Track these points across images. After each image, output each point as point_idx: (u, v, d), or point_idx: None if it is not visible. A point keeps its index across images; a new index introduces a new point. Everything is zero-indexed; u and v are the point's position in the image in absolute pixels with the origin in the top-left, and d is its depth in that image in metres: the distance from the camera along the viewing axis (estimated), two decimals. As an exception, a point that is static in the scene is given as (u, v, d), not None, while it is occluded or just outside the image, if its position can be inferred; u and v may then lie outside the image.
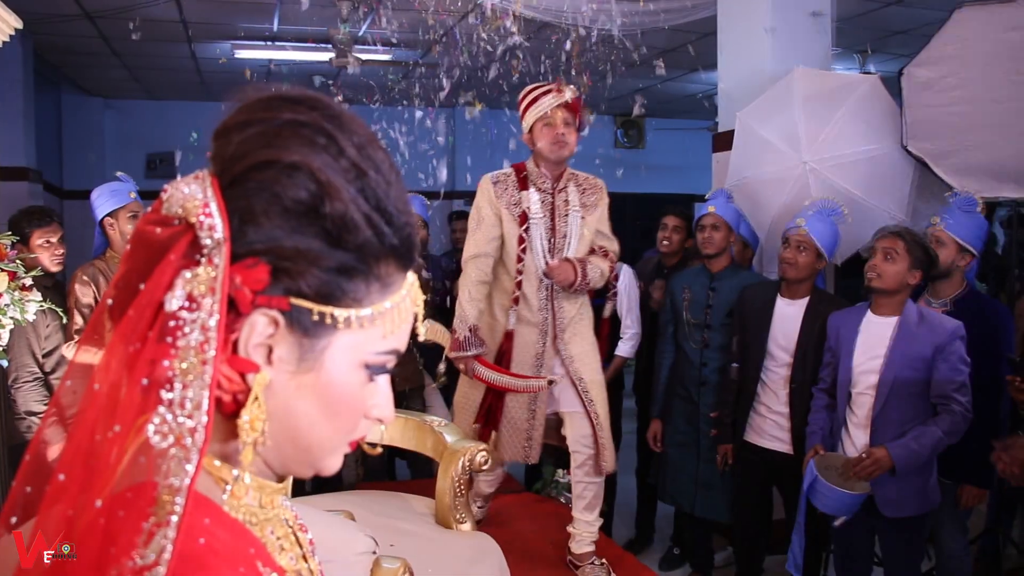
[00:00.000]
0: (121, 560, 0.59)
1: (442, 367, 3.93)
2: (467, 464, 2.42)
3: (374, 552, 1.83)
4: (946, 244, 3.33)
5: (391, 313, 0.75)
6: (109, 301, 0.70)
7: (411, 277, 0.79)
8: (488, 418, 3.49)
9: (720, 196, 4.04)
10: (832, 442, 3.23)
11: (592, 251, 3.59)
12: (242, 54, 7.17)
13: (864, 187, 3.88)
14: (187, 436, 0.63)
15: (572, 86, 3.47)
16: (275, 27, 6.57)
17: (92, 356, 0.70)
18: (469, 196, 10.57)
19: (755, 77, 4.69)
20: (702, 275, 4.06)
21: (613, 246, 3.69)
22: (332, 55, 6.30)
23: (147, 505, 0.61)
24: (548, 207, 3.51)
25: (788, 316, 3.52)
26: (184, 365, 0.65)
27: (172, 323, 0.65)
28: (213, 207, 0.67)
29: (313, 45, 6.93)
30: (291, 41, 6.99)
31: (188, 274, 0.66)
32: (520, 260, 3.48)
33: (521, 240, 3.47)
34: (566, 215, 3.52)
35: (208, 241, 0.66)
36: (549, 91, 3.43)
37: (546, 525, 3.76)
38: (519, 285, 3.50)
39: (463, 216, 5.77)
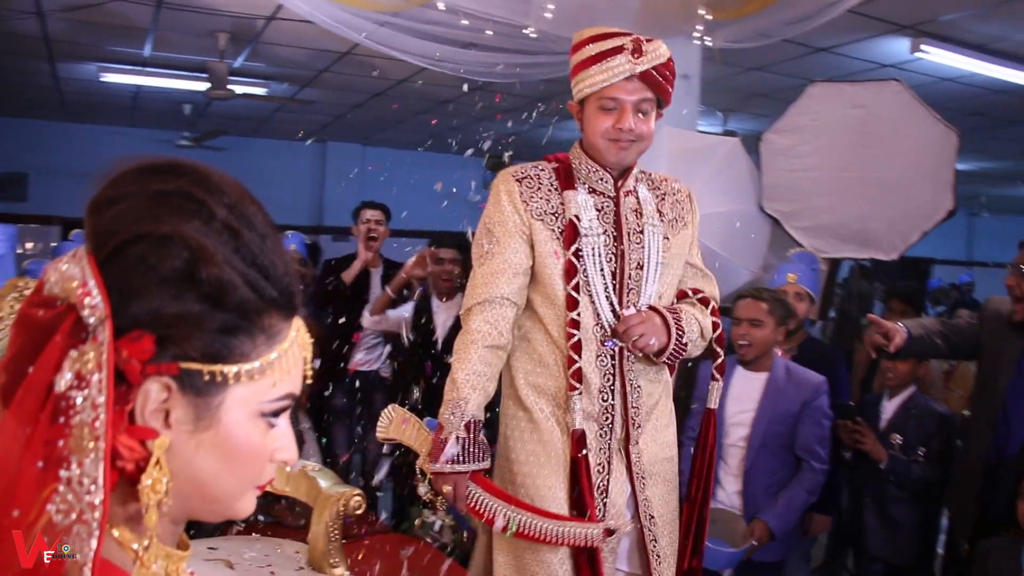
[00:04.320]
0: None
1: (423, 488, 2.28)
2: (341, 510, 2.44)
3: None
4: (804, 298, 3.58)
5: (279, 362, 0.78)
6: None
7: (297, 323, 0.81)
8: None
9: None
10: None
11: (682, 295, 2.37)
12: (109, 77, 6.94)
13: (724, 243, 4.12)
14: (87, 511, 0.66)
15: (658, 41, 2.17)
16: (146, 52, 6.40)
17: None
18: (337, 232, 10.58)
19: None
20: None
21: (712, 288, 2.43)
22: (207, 86, 6.20)
23: None
24: (610, 218, 2.25)
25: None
26: (78, 443, 0.66)
27: (63, 403, 0.66)
28: (92, 285, 0.68)
29: (186, 73, 6.78)
30: (163, 68, 6.82)
31: (75, 353, 0.67)
32: (573, 305, 2.17)
33: (571, 271, 2.17)
34: (640, 231, 2.26)
35: (91, 319, 0.68)
36: (620, 48, 2.11)
37: (414, 566, 3.78)
38: (576, 349, 2.17)
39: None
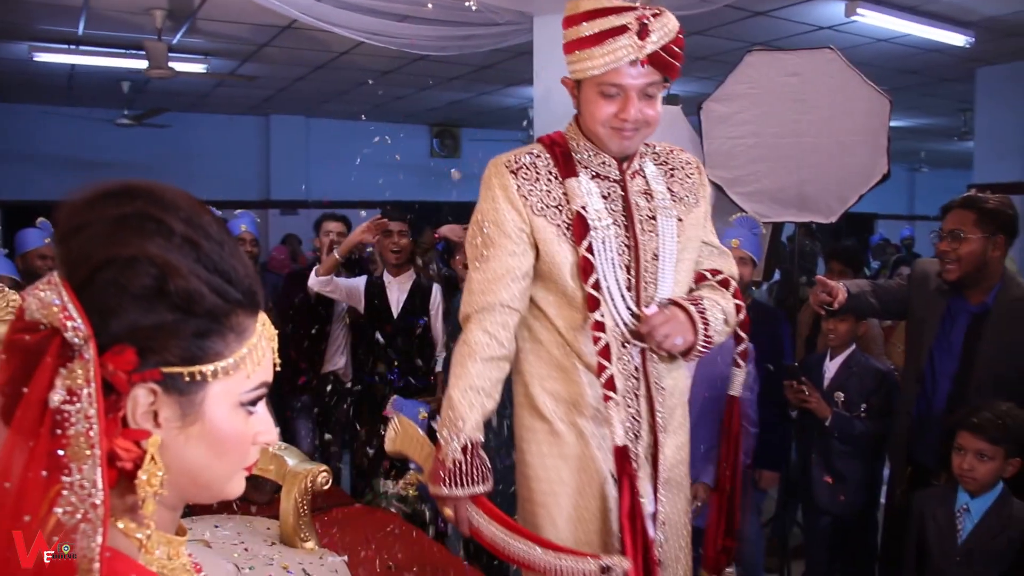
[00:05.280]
0: None
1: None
2: (309, 486, 2.51)
3: (237, 578, 1.92)
4: (747, 262, 3.70)
5: (250, 356, 0.86)
6: None
7: (262, 317, 0.90)
8: None
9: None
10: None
11: (700, 278, 2.19)
12: (42, 57, 6.78)
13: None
14: (91, 511, 0.74)
15: (665, 12, 1.93)
16: (80, 31, 6.29)
17: None
18: (285, 205, 10.54)
19: (567, 99, 4.94)
20: None
21: (729, 266, 2.26)
22: (146, 64, 6.12)
23: (71, 573, 0.72)
24: (618, 205, 2.04)
25: None
26: (76, 452, 0.74)
27: (59, 417, 0.74)
28: (71, 309, 0.75)
29: (123, 51, 6.66)
30: (98, 46, 6.70)
31: (64, 371, 0.75)
32: (595, 305, 1.96)
33: (587, 269, 1.96)
34: (652, 216, 2.05)
35: (76, 340, 0.75)
36: (623, 28, 1.87)
37: (378, 535, 3.87)
38: (606, 354, 1.95)
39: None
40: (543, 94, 5.17)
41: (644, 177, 2.09)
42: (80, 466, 0.74)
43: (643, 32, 1.86)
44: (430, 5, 4.60)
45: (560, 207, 2.01)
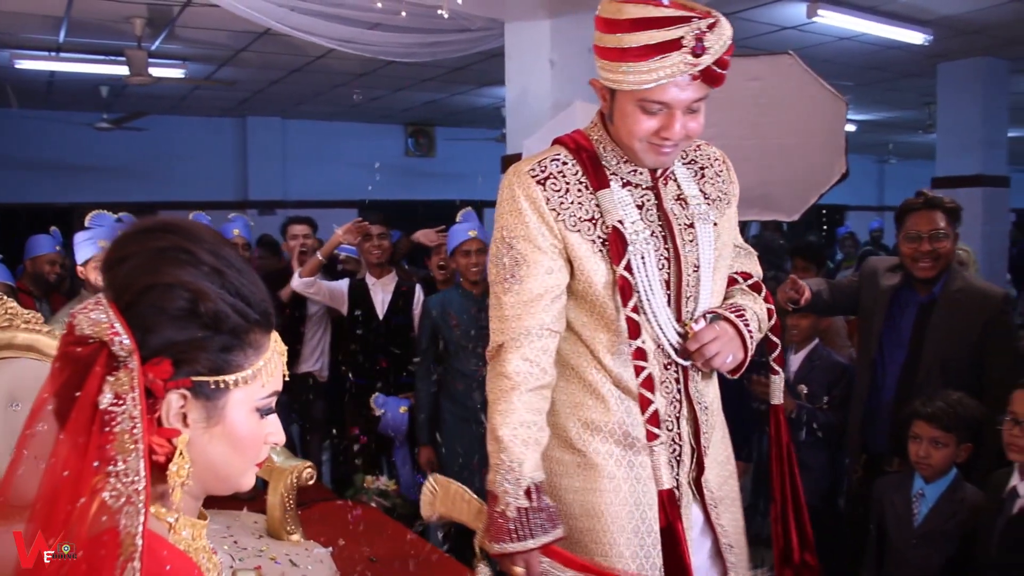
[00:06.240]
0: None
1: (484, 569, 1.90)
2: (294, 481, 2.64)
3: (232, 567, 2.04)
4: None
5: (265, 368, 1.03)
6: (50, 407, 0.93)
7: (274, 335, 1.07)
8: None
9: (474, 218, 4.20)
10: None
11: (731, 282, 2.03)
12: (24, 64, 6.85)
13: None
14: (134, 495, 0.89)
15: (722, 20, 1.69)
16: (61, 38, 6.35)
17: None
18: (263, 206, 10.60)
19: (539, 103, 5.09)
20: (466, 299, 4.03)
21: (756, 267, 2.14)
22: (125, 70, 6.19)
23: (115, 547, 0.87)
24: (653, 214, 1.88)
25: None
26: (122, 446, 0.89)
27: (107, 417, 0.89)
28: (118, 327, 0.91)
29: (103, 58, 6.73)
30: (79, 52, 6.76)
31: (111, 379, 0.90)
32: (636, 332, 1.79)
33: (627, 291, 1.78)
34: (690, 224, 1.89)
35: (121, 353, 0.90)
36: (678, 43, 1.63)
37: (359, 529, 3.97)
38: (649, 386, 1.80)
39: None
40: (515, 99, 5.30)
41: (676, 181, 1.92)
42: (125, 458, 0.89)
43: (698, 49, 1.65)
44: (403, 13, 4.71)
45: (594, 221, 1.83)
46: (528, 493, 1.76)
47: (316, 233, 5.27)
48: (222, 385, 0.99)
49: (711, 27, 1.66)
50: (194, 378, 0.97)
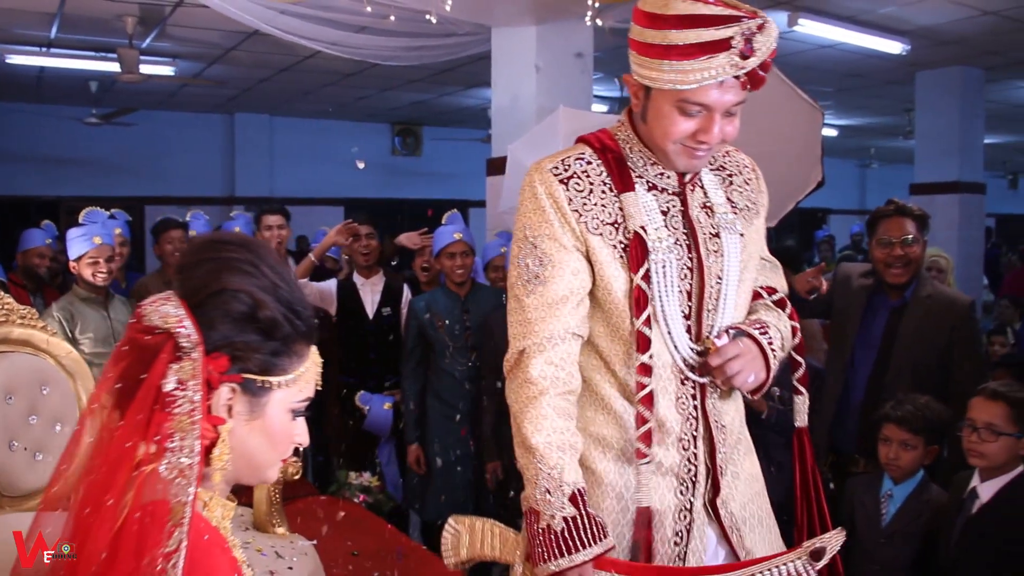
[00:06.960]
0: (154, 550, 0.96)
1: None
2: (281, 476, 2.71)
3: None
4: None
5: (305, 375, 1.15)
6: (118, 385, 1.04)
7: (314, 348, 1.17)
8: None
9: (459, 220, 4.26)
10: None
11: (755, 296, 1.92)
12: (14, 59, 6.92)
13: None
14: (187, 470, 1.00)
15: (768, 27, 1.59)
16: (52, 34, 6.39)
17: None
18: (250, 202, 10.64)
19: (525, 107, 5.19)
20: (451, 300, 4.08)
21: (781, 280, 2.03)
22: (116, 67, 6.23)
23: (164, 515, 0.99)
24: (678, 221, 1.79)
25: None
26: (180, 425, 1.01)
27: (168, 399, 1.01)
28: (187, 322, 1.03)
29: (93, 54, 6.78)
30: (70, 49, 6.80)
31: (176, 366, 1.02)
32: (646, 346, 1.70)
33: (641, 302, 1.70)
34: (715, 233, 1.80)
35: (186, 344, 1.02)
36: (726, 44, 1.55)
37: (343, 525, 4.03)
38: (648, 403, 1.72)
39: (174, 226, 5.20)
40: (501, 103, 5.38)
41: (703, 188, 1.82)
42: (183, 436, 1.00)
43: (747, 50, 1.57)
44: (392, 18, 4.78)
45: (617, 225, 1.74)
46: (573, 500, 1.66)
47: (289, 222, 5.19)
48: (268, 385, 1.10)
49: (760, 28, 1.59)
50: (245, 375, 1.08)
